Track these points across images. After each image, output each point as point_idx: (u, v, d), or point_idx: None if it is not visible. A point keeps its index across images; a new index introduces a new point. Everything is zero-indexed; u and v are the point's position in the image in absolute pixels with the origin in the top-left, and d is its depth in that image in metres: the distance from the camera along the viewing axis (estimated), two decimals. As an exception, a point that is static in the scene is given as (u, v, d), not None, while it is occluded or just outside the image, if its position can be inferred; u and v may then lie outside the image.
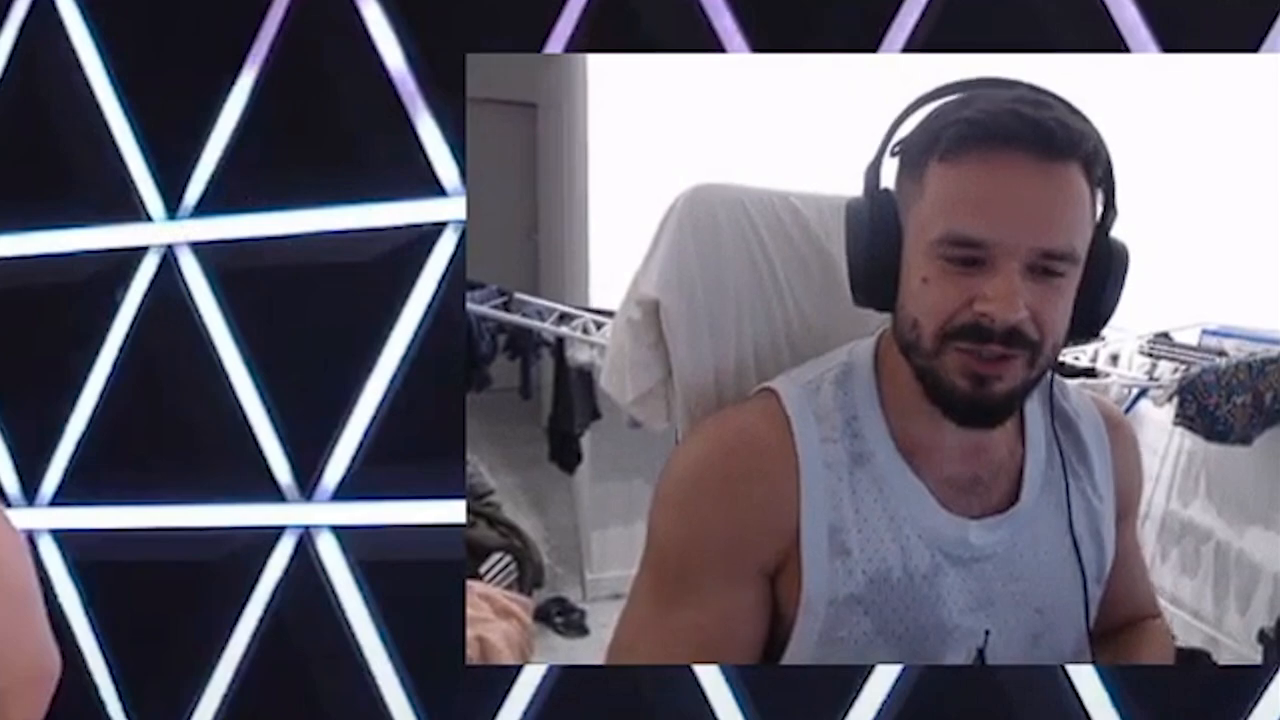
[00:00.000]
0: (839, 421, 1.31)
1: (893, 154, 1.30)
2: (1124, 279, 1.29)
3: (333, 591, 2.42)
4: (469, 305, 3.42)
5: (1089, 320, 1.28)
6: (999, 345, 1.19)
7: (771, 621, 1.32)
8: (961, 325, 1.20)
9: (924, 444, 1.32)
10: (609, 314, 2.90)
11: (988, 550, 1.33)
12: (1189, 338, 3.47)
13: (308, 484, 2.45)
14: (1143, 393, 3.46)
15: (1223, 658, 3.30)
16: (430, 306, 2.40)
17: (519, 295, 3.84)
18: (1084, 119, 1.24)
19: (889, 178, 1.32)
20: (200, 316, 2.52)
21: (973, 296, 1.19)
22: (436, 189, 2.41)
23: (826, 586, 1.28)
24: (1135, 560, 1.56)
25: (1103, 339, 3.58)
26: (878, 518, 1.29)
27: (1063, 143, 1.19)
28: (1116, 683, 2.08)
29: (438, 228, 2.41)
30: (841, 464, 1.30)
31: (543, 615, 4.07)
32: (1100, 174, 1.24)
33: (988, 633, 1.32)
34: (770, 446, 1.30)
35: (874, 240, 1.27)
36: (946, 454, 1.32)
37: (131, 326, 2.56)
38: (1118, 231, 1.29)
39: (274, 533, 2.46)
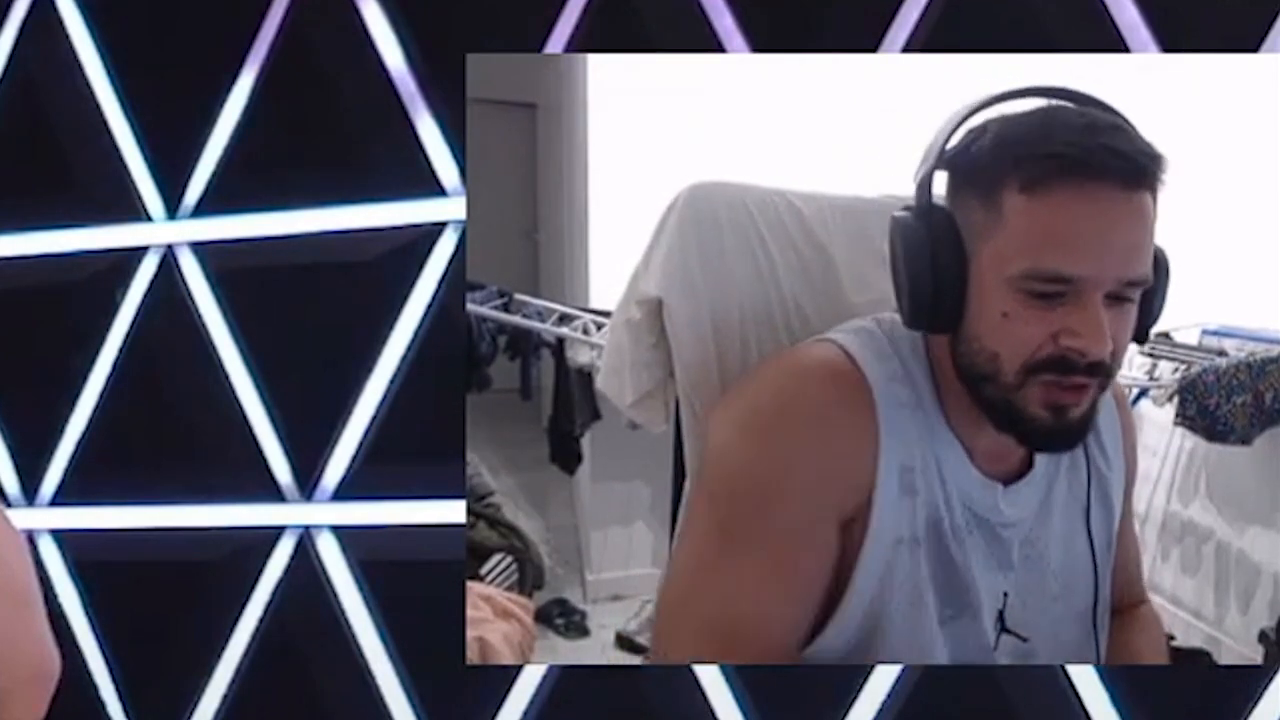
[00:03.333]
0: (897, 367, 1.30)
1: (941, 167, 1.27)
2: (1168, 285, 1.30)
3: (333, 591, 2.42)
4: (469, 306, 3.42)
5: (1143, 330, 1.28)
6: (1083, 376, 1.19)
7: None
8: (1046, 358, 1.19)
9: (963, 426, 1.32)
10: (609, 314, 2.90)
11: (1014, 517, 1.34)
12: (1189, 338, 3.47)
13: (308, 484, 2.44)
14: (1143, 393, 3.46)
15: (1223, 658, 3.30)
16: (430, 306, 2.39)
17: (519, 296, 3.84)
18: (1141, 135, 1.23)
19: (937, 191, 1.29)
20: (200, 316, 2.52)
21: (1057, 330, 1.18)
22: (436, 189, 2.40)
23: (894, 524, 1.26)
24: (1131, 536, 1.58)
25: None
26: (933, 464, 1.29)
27: (1146, 173, 1.19)
28: (1116, 683, 2.08)
29: (438, 228, 2.40)
30: (907, 405, 1.28)
31: (544, 617, 4.06)
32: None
33: (1006, 594, 1.34)
34: (849, 384, 1.28)
35: (938, 265, 1.22)
36: (985, 440, 1.32)
37: (131, 326, 2.56)
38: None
39: (274, 533, 2.46)
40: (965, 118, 1.27)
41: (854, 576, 1.27)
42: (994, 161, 1.21)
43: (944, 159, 1.26)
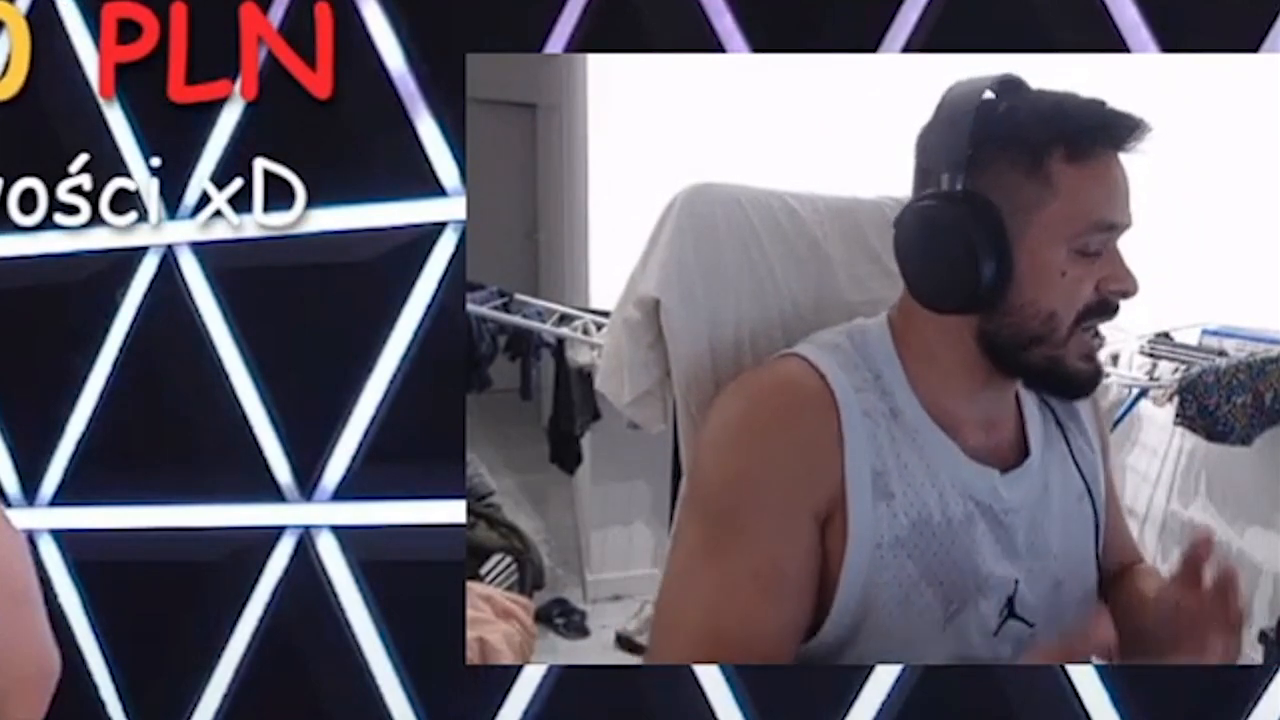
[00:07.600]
0: (867, 376, 1.35)
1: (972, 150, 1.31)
2: None
3: (333, 591, 2.42)
4: (469, 306, 3.42)
5: None
6: (1109, 319, 1.32)
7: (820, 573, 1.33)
8: (1089, 307, 1.30)
9: (950, 417, 1.35)
10: (609, 314, 2.90)
11: (1015, 503, 1.37)
12: (1189, 338, 3.47)
13: (308, 484, 2.45)
14: (1143, 393, 3.46)
15: (1223, 658, 3.30)
16: (430, 306, 2.40)
17: (519, 296, 3.84)
18: None
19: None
20: (200, 316, 2.52)
21: (1100, 279, 1.30)
22: (436, 189, 2.41)
23: (871, 529, 1.30)
24: (1115, 501, 1.60)
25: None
26: (915, 464, 1.33)
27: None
28: (1116, 683, 2.08)
29: (438, 228, 2.41)
30: (876, 412, 1.33)
31: (544, 617, 4.06)
32: None
33: (1017, 581, 1.36)
34: (812, 393, 1.33)
35: (987, 246, 1.28)
36: (970, 427, 1.36)
37: (131, 326, 2.56)
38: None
39: (274, 533, 2.46)
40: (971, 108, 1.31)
41: (840, 582, 1.31)
42: (1038, 136, 1.29)
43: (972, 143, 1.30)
